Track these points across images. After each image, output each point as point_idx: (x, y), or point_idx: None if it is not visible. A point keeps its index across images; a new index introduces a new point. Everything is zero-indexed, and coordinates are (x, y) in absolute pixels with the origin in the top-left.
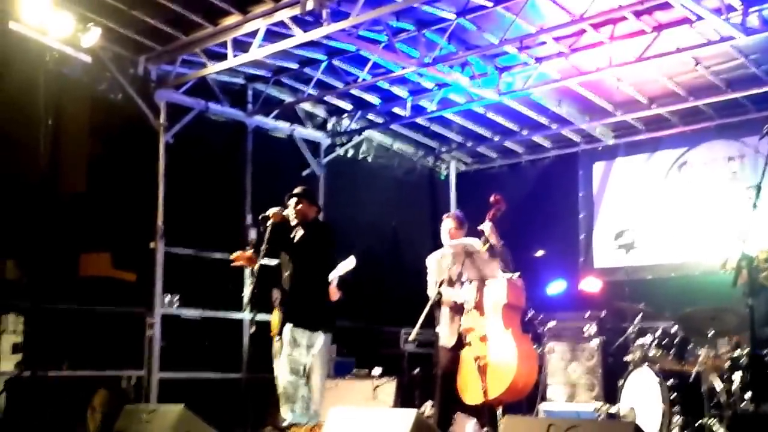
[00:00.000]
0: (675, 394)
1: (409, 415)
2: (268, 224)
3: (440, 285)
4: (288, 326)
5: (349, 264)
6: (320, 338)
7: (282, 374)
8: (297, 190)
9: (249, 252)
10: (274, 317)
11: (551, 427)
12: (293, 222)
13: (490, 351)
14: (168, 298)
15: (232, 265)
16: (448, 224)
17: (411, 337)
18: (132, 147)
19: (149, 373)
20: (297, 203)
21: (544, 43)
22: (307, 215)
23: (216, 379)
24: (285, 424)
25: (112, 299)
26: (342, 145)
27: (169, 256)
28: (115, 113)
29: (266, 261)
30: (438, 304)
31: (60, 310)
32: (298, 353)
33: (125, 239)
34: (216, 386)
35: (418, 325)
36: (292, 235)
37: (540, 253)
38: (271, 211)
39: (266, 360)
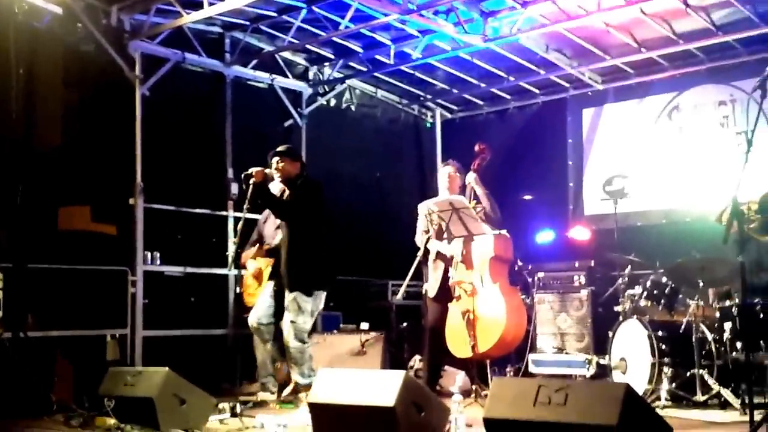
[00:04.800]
0: (665, 344)
1: (398, 376)
2: (250, 183)
3: (427, 241)
4: (292, 294)
5: None
6: (322, 296)
7: (288, 340)
8: (280, 149)
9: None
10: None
11: (541, 388)
12: (277, 181)
13: (478, 305)
14: (150, 255)
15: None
16: (447, 170)
17: (399, 296)
18: (108, 100)
19: (133, 331)
20: (279, 162)
21: None
22: (291, 173)
23: (201, 336)
24: (303, 383)
25: (92, 255)
26: (324, 94)
27: (149, 212)
28: (88, 66)
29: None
30: (425, 258)
31: (40, 270)
32: (302, 320)
33: (104, 193)
34: (201, 343)
35: (405, 283)
36: (278, 195)
37: (528, 197)
38: (252, 170)
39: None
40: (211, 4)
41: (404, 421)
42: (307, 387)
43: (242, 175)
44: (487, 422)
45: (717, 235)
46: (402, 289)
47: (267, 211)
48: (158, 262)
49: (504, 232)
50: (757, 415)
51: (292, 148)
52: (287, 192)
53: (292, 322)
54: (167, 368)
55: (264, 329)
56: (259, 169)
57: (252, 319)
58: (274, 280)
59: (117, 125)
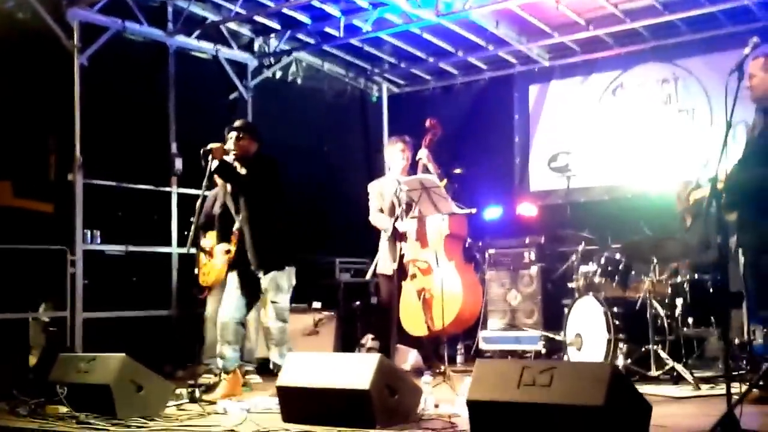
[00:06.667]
0: (619, 321)
1: (372, 359)
2: (209, 159)
3: (395, 221)
4: (269, 274)
5: None
6: (293, 271)
7: (269, 321)
8: (238, 124)
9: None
10: (212, 265)
11: (525, 369)
12: (233, 158)
13: (434, 283)
14: (89, 233)
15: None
16: (399, 146)
17: (369, 275)
18: (43, 70)
19: (72, 313)
20: (238, 138)
21: None
22: (249, 150)
23: (144, 317)
24: (280, 364)
25: (23, 233)
26: (270, 66)
27: (88, 188)
28: (23, 34)
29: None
30: (394, 236)
31: None
32: (282, 299)
33: (34, 167)
34: (144, 324)
35: (375, 261)
36: (237, 172)
37: (458, 170)
38: (212, 146)
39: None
40: None
41: (379, 404)
42: None
43: (201, 151)
44: (471, 404)
45: (660, 211)
46: (372, 268)
47: (212, 193)
48: (98, 240)
49: (473, 211)
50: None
51: (251, 123)
52: (243, 170)
53: (273, 302)
54: (123, 354)
55: (236, 328)
56: (218, 145)
57: (225, 317)
58: (238, 269)
59: (53, 96)
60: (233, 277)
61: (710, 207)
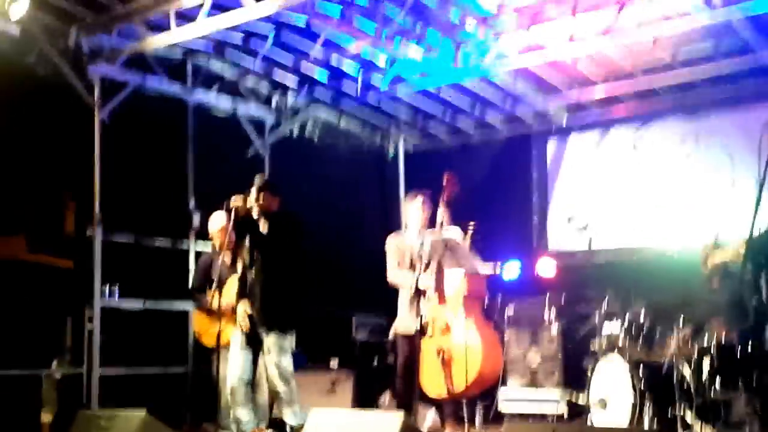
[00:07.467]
0: (645, 382)
1: (396, 418)
2: (232, 216)
3: (418, 277)
4: (272, 335)
5: None
6: (294, 334)
7: (276, 384)
8: (259, 181)
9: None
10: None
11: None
12: (255, 215)
13: (453, 342)
14: (107, 288)
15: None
16: (419, 201)
17: (390, 335)
18: (63, 125)
19: (89, 370)
20: (260, 194)
21: (503, 18)
22: (270, 207)
23: (160, 375)
24: (296, 424)
25: (35, 289)
26: (287, 123)
27: (106, 244)
28: (43, 89)
29: None
30: (416, 295)
31: None
32: (286, 360)
33: (50, 223)
34: (160, 381)
35: (397, 320)
36: (260, 230)
37: (471, 224)
38: (234, 203)
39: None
40: (178, 26)
41: None
42: (300, 428)
43: (224, 208)
44: None
45: (683, 271)
46: (393, 329)
47: (209, 253)
48: (116, 296)
49: (497, 271)
50: None
51: (273, 181)
52: (265, 227)
53: (276, 363)
54: (145, 411)
55: (245, 389)
56: (241, 201)
57: (233, 379)
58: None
59: (72, 151)
60: (238, 337)
61: (745, 268)
